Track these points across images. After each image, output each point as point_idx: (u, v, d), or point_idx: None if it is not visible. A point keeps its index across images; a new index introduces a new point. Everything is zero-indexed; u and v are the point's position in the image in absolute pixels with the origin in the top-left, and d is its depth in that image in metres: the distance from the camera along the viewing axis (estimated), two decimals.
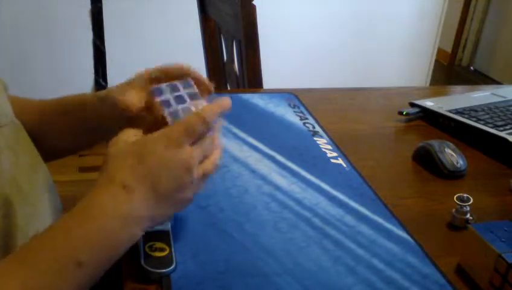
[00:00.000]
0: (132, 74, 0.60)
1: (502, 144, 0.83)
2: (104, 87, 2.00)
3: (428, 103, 0.98)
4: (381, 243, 0.59)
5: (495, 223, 0.55)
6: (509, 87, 1.15)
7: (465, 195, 0.64)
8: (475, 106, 0.97)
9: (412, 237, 0.61)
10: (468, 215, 0.64)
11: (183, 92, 0.56)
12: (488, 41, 3.95)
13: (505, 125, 0.88)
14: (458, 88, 1.31)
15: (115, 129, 0.63)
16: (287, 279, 0.53)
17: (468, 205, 0.63)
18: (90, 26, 1.97)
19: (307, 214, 0.64)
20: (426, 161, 0.79)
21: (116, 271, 0.49)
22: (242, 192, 0.67)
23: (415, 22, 2.80)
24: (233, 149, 0.79)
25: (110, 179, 0.47)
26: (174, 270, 0.52)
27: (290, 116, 0.93)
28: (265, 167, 0.74)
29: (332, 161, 0.78)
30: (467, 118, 0.90)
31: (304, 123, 0.90)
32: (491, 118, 0.91)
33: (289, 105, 0.98)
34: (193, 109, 0.55)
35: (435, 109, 0.95)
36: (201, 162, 0.51)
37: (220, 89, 1.42)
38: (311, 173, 0.73)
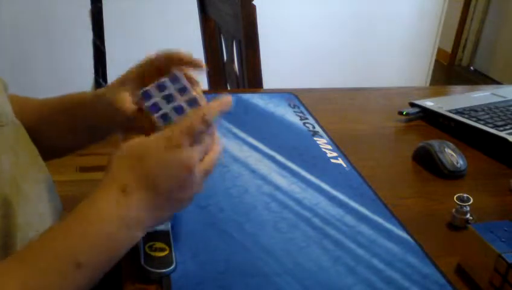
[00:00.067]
0: None
1: (502, 144, 0.83)
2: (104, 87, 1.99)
3: (428, 103, 0.98)
4: (381, 243, 0.59)
5: (495, 223, 0.55)
6: (509, 87, 1.15)
7: (465, 195, 0.64)
8: (475, 106, 0.97)
9: (412, 237, 0.61)
10: (468, 215, 0.64)
11: (171, 89, 0.54)
12: (488, 41, 3.94)
13: (505, 125, 0.88)
14: (458, 88, 1.31)
15: (114, 128, 0.63)
16: (287, 279, 0.53)
17: (468, 205, 0.63)
18: (90, 26, 1.97)
19: (307, 214, 0.64)
20: (426, 161, 0.79)
21: (116, 271, 0.49)
22: (242, 192, 0.67)
23: (415, 22, 2.80)
24: (233, 149, 0.79)
25: (110, 181, 0.48)
26: (174, 270, 0.52)
27: (290, 116, 0.93)
28: (265, 167, 0.74)
29: (332, 161, 0.78)
30: (467, 118, 0.90)
31: (304, 123, 0.90)
32: (491, 118, 0.91)
33: (289, 105, 0.98)
34: (183, 104, 0.53)
35: (435, 109, 0.95)
36: (201, 160, 0.50)
37: (220, 89, 1.42)
38: (311, 173, 0.73)
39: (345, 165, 0.77)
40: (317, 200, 0.67)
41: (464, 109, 0.95)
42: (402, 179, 0.77)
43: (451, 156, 0.77)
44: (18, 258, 0.44)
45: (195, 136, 0.49)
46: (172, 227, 0.57)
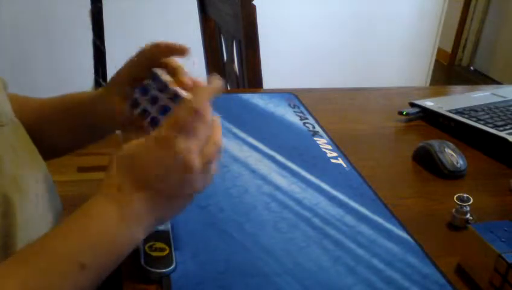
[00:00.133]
0: None
1: (502, 144, 0.83)
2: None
3: (428, 103, 0.98)
4: (381, 243, 0.59)
5: (495, 223, 0.55)
6: (509, 87, 1.15)
7: (465, 195, 0.64)
8: (475, 106, 0.97)
9: (412, 237, 0.61)
10: (468, 215, 0.64)
11: (153, 90, 0.53)
12: (488, 41, 3.95)
13: (505, 125, 0.88)
14: (458, 88, 1.31)
15: (114, 127, 0.63)
16: (287, 279, 0.53)
17: (468, 205, 0.63)
18: (90, 26, 1.97)
19: (307, 214, 0.64)
20: (426, 161, 0.79)
21: (116, 271, 0.49)
22: (242, 192, 0.67)
23: (415, 22, 2.80)
24: (233, 149, 0.79)
25: (108, 182, 0.48)
26: (174, 270, 0.52)
27: (290, 116, 0.93)
28: (265, 167, 0.74)
29: (332, 161, 0.78)
30: (467, 118, 0.90)
31: (304, 123, 0.90)
32: (491, 118, 0.91)
33: (289, 105, 0.98)
34: (167, 103, 0.52)
35: (435, 109, 0.95)
36: (202, 150, 0.48)
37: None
38: (311, 173, 0.73)
39: (345, 165, 0.77)
40: (317, 200, 0.67)
41: (464, 109, 0.95)
42: (402, 179, 0.77)
43: (451, 156, 0.77)
44: (18, 258, 0.44)
45: (188, 129, 0.47)
46: (172, 227, 0.57)
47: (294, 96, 1.02)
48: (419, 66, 2.91)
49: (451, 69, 4.15)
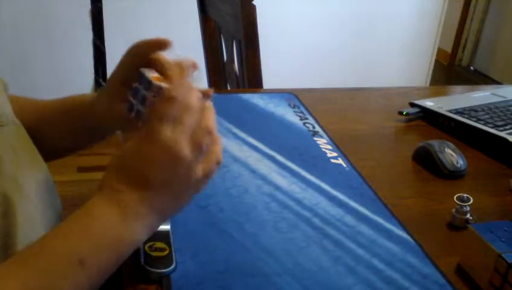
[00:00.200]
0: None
1: (502, 144, 0.83)
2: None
3: (428, 103, 0.98)
4: (381, 243, 0.59)
5: (495, 223, 0.55)
6: (509, 87, 1.15)
7: (465, 195, 0.64)
8: (475, 106, 0.97)
9: (412, 237, 0.61)
10: (468, 215, 0.64)
11: (141, 89, 0.52)
12: (488, 41, 3.95)
13: (505, 125, 0.88)
14: (458, 88, 1.31)
15: (114, 128, 0.64)
16: (287, 279, 0.53)
17: (468, 205, 0.63)
18: (90, 26, 1.97)
19: (307, 214, 0.64)
20: (426, 161, 0.79)
21: (116, 271, 0.49)
22: (242, 192, 0.67)
23: (415, 22, 2.81)
24: (233, 149, 0.79)
25: (104, 183, 0.48)
26: (174, 270, 0.52)
27: (290, 116, 0.93)
28: (265, 167, 0.74)
29: (332, 161, 0.78)
30: (467, 118, 0.90)
31: (304, 123, 0.90)
32: (491, 118, 0.91)
33: (289, 105, 0.98)
34: (153, 100, 0.50)
35: (435, 109, 0.95)
36: (191, 137, 0.47)
37: (220, 89, 1.42)
38: (311, 173, 0.73)
39: (345, 165, 0.77)
40: (317, 200, 0.67)
41: (464, 109, 0.95)
42: (402, 179, 0.77)
43: (451, 156, 0.77)
44: (18, 259, 0.43)
45: (168, 118, 0.46)
46: (172, 227, 0.57)
47: (294, 96, 1.02)
48: (419, 66, 2.91)
49: (451, 69, 4.15)
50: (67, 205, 0.61)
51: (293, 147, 0.81)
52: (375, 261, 0.56)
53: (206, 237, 0.58)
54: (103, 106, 0.61)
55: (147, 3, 2.36)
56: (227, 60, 1.36)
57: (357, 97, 1.09)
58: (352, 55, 2.75)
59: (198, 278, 0.51)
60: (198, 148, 0.47)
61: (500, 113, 0.94)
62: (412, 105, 0.99)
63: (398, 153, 0.85)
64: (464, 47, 4.15)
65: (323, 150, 0.81)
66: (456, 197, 0.64)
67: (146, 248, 0.53)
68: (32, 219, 0.53)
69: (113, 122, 0.61)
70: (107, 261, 0.45)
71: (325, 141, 0.84)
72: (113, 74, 0.60)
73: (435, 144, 0.79)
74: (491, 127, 0.86)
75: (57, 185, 0.61)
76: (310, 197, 0.67)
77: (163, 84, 0.50)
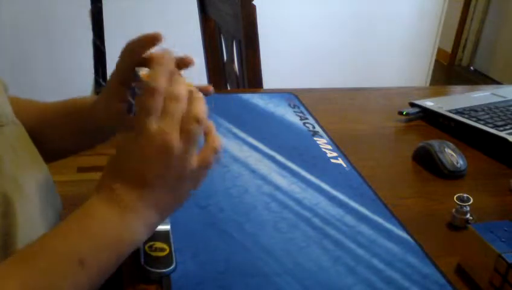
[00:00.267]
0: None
1: (502, 144, 0.83)
2: (104, 87, 1.99)
3: (428, 103, 0.98)
4: (381, 243, 0.59)
5: (495, 223, 0.55)
6: (509, 87, 1.15)
7: (465, 195, 0.64)
8: (475, 106, 0.97)
9: (412, 237, 0.61)
10: (468, 215, 0.64)
11: (138, 89, 0.53)
12: (488, 41, 3.95)
13: (505, 125, 0.88)
14: (458, 88, 1.31)
15: (115, 130, 0.64)
16: (287, 279, 0.53)
17: (468, 205, 0.63)
18: (90, 26, 1.97)
19: (307, 214, 0.64)
20: (426, 161, 0.79)
21: (116, 271, 0.49)
22: (242, 192, 0.67)
23: (415, 22, 2.80)
24: (233, 149, 0.79)
25: (100, 183, 0.48)
26: (174, 270, 0.52)
27: (290, 116, 0.93)
28: (265, 167, 0.74)
29: (332, 161, 0.78)
30: (467, 118, 0.90)
31: (304, 123, 0.90)
32: (491, 118, 0.91)
33: (289, 105, 0.98)
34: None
35: (435, 109, 0.95)
36: (181, 127, 0.46)
37: (220, 89, 1.42)
38: (311, 173, 0.73)
39: (345, 165, 0.77)
40: (317, 200, 0.67)
41: (464, 109, 0.95)
42: (402, 179, 0.77)
43: (451, 156, 0.77)
44: (18, 258, 0.43)
45: (152, 110, 0.45)
46: (172, 227, 0.57)
47: (294, 96, 1.02)
48: (419, 66, 2.91)
49: (451, 69, 4.15)
50: (67, 205, 0.61)
51: (293, 147, 0.81)
52: (375, 261, 0.56)
53: (206, 237, 0.58)
54: (102, 106, 0.61)
55: (147, 3, 2.36)
56: (227, 60, 1.36)
57: (357, 97, 1.09)
58: (352, 55, 2.75)
59: (198, 278, 0.51)
60: (189, 137, 0.46)
61: (500, 113, 0.94)
62: (412, 105, 0.99)
63: (398, 153, 0.85)
64: (464, 47, 4.15)
65: (323, 150, 0.81)
66: (456, 197, 0.64)
67: (146, 248, 0.53)
68: (32, 219, 0.53)
69: (112, 122, 0.61)
70: (107, 261, 0.45)
71: (325, 141, 0.84)
72: (112, 75, 0.60)
73: (435, 144, 0.79)
74: (491, 127, 0.86)
75: (57, 185, 0.61)
76: (310, 197, 0.67)
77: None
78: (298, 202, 0.66)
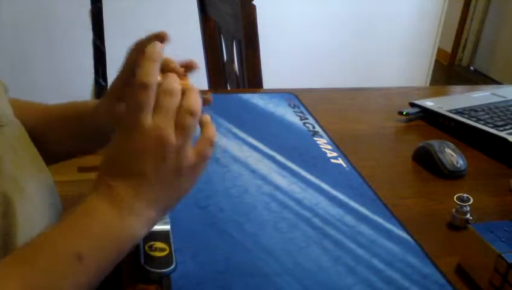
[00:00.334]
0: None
1: (502, 144, 0.83)
2: (104, 87, 2.00)
3: (428, 103, 0.98)
4: (381, 243, 0.59)
5: (495, 223, 0.55)
6: (509, 87, 1.15)
7: (465, 195, 0.64)
8: (475, 106, 0.97)
9: (412, 237, 0.61)
10: (468, 215, 0.64)
11: None
12: (488, 41, 3.95)
13: (505, 125, 0.88)
14: (458, 88, 1.31)
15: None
16: (287, 279, 0.53)
17: (468, 205, 0.63)
18: (90, 26, 1.97)
19: (307, 214, 0.64)
20: (426, 161, 0.79)
21: (116, 271, 0.49)
22: (242, 192, 0.67)
23: (415, 22, 2.80)
24: (233, 149, 0.79)
25: (98, 180, 0.48)
26: (174, 270, 0.52)
27: (290, 116, 0.93)
28: (265, 167, 0.74)
29: (332, 161, 0.78)
30: (467, 118, 0.90)
31: (304, 123, 0.90)
32: (491, 118, 0.91)
33: (289, 105, 0.98)
34: None
35: (435, 109, 0.95)
36: (175, 121, 0.46)
37: (220, 89, 1.42)
38: (311, 173, 0.73)
39: (345, 165, 0.77)
40: (317, 200, 0.67)
41: (464, 109, 0.95)
42: (402, 179, 0.77)
43: (451, 156, 0.77)
44: (17, 258, 0.43)
45: (144, 105, 0.45)
46: (172, 227, 0.57)
47: (294, 96, 1.02)
48: (419, 66, 2.91)
49: (451, 69, 4.15)
50: (67, 205, 0.61)
51: (293, 147, 0.81)
52: (375, 261, 0.56)
53: (206, 237, 0.58)
54: (104, 109, 0.62)
55: (147, 3, 2.36)
56: (227, 60, 1.36)
57: (357, 97, 1.09)
58: (352, 55, 2.75)
59: (198, 278, 0.51)
60: (184, 131, 0.46)
61: (500, 113, 0.94)
62: (412, 105, 0.99)
63: (398, 153, 0.85)
64: (464, 47, 4.15)
65: (323, 150, 0.81)
66: (456, 197, 0.64)
67: (146, 248, 0.53)
68: (32, 219, 0.53)
69: (114, 124, 0.61)
70: (106, 258, 0.45)
71: (325, 141, 0.84)
72: (117, 76, 0.60)
73: (435, 144, 0.79)
74: (491, 127, 0.86)
75: (57, 185, 0.61)
76: (310, 197, 0.67)
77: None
78: (298, 202, 0.66)
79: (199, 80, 0.58)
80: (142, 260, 0.52)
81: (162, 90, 0.46)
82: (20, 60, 2.34)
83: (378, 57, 2.80)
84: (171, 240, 0.55)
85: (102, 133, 0.64)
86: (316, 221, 0.62)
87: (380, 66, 2.82)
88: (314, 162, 0.77)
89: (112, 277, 0.49)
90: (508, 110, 0.96)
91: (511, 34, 3.67)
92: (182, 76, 0.54)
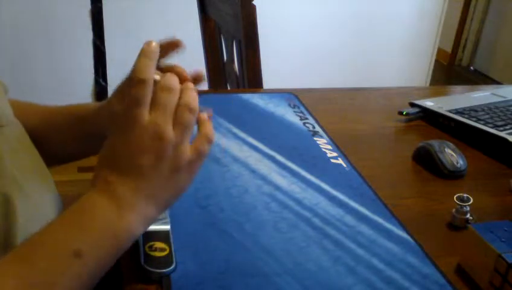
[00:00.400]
0: None
1: (502, 144, 0.83)
2: (104, 87, 1.99)
3: (428, 103, 0.98)
4: (381, 243, 0.59)
5: (495, 223, 0.55)
6: (509, 87, 1.15)
7: (465, 195, 0.64)
8: (475, 106, 0.97)
9: (412, 237, 0.61)
10: (468, 215, 0.64)
11: None
12: (488, 41, 3.95)
13: (505, 125, 0.88)
14: (458, 88, 1.31)
15: None
16: (287, 279, 0.53)
17: (468, 205, 0.63)
18: (90, 26, 1.96)
19: (307, 214, 0.64)
20: (426, 161, 0.79)
21: (116, 271, 0.49)
22: (242, 192, 0.67)
23: (415, 22, 2.80)
24: (233, 149, 0.79)
25: (96, 177, 0.48)
26: (174, 270, 0.52)
27: (290, 116, 0.93)
28: (265, 167, 0.74)
29: (332, 161, 0.78)
30: (467, 118, 0.90)
31: (304, 123, 0.90)
32: (491, 118, 0.91)
33: (289, 105, 0.98)
34: None
35: (435, 109, 0.95)
36: (173, 117, 0.46)
37: (220, 89, 1.42)
38: (311, 173, 0.73)
39: (345, 165, 0.77)
40: (317, 200, 0.67)
41: (464, 109, 0.95)
42: (402, 179, 0.77)
43: (451, 156, 0.77)
44: (15, 255, 0.43)
45: (140, 101, 0.45)
46: (172, 227, 0.57)
47: (294, 96, 1.02)
48: (419, 66, 2.91)
49: (451, 69, 4.15)
50: (68, 205, 0.61)
51: (293, 147, 0.81)
52: (375, 261, 0.56)
53: (206, 237, 0.58)
54: (107, 112, 0.61)
55: (147, 3, 2.36)
56: (227, 60, 1.36)
57: (357, 97, 1.09)
58: (352, 55, 2.75)
59: (198, 278, 0.51)
60: (181, 126, 0.46)
61: (500, 113, 0.94)
62: (412, 105, 0.99)
63: (398, 153, 0.85)
64: (464, 47, 4.15)
65: (323, 150, 0.81)
66: (456, 197, 0.64)
67: (146, 248, 0.53)
68: (32, 219, 0.53)
69: (112, 121, 0.61)
70: (105, 254, 0.45)
71: (325, 141, 0.84)
72: (123, 80, 0.60)
73: (435, 144, 0.79)
74: (491, 127, 0.86)
75: (57, 185, 0.61)
76: (310, 197, 0.67)
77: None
78: (298, 202, 0.66)
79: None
80: (142, 260, 0.52)
81: (160, 87, 0.46)
82: (20, 60, 2.33)
83: (378, 57, 2.80)
84: (171, 240, 0.55)
85: (104, 136, 0.64)
86: (316, 221, 0.62)
87: (380, 66, 2.82)
88: (314, 162, 0.77)
89: (112, 277, 0.49)
90: (508, 110, 0.96)
91: (511, 34, 3.67)
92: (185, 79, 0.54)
